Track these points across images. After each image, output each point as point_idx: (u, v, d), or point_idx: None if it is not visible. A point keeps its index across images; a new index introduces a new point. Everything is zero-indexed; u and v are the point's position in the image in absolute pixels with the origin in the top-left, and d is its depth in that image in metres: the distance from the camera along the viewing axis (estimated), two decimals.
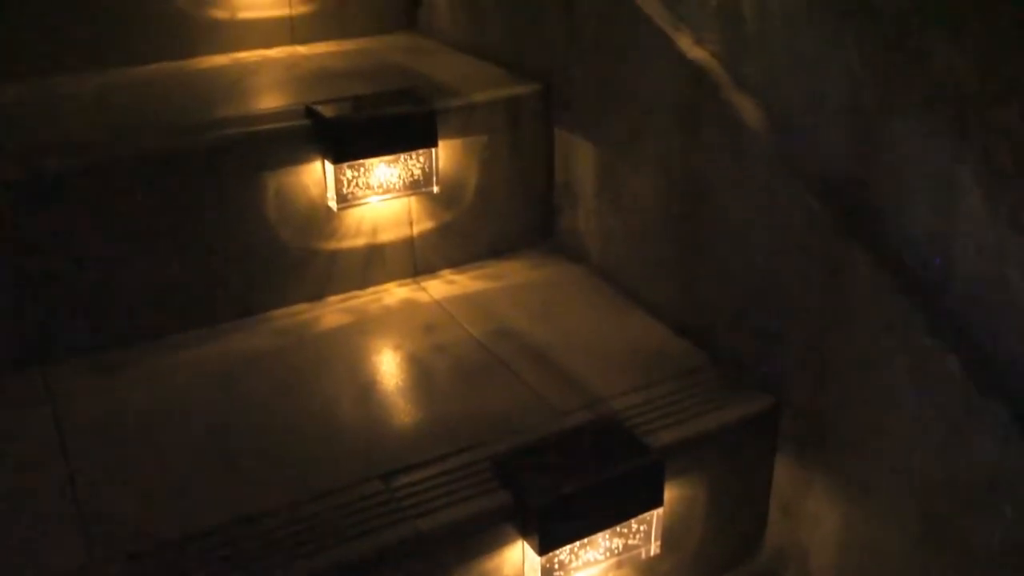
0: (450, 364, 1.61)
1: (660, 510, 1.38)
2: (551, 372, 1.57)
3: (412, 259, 1.87)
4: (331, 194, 1.73)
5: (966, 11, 1.13)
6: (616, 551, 1.37)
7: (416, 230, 1.86)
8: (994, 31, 1.10)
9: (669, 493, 1.40)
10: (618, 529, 1.36)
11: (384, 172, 1.76)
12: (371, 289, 1.84)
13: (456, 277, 1.89)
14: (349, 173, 1.72)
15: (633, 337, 1.69)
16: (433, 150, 1.78)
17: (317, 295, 1.80)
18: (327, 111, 1.72)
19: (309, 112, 1.74)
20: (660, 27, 1.59)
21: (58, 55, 2.06)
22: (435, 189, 1.81)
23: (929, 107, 1.20)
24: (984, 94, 1.12)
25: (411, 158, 1.77)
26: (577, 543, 1.33)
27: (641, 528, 1.38)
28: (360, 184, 1.74)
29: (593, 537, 1.34)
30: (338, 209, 1.74)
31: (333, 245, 1.79)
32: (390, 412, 1.50)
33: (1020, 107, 1.08)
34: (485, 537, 1.30)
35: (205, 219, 1.67)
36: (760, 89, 1.45)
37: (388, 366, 1.64)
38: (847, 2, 1.28)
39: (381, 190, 1.76)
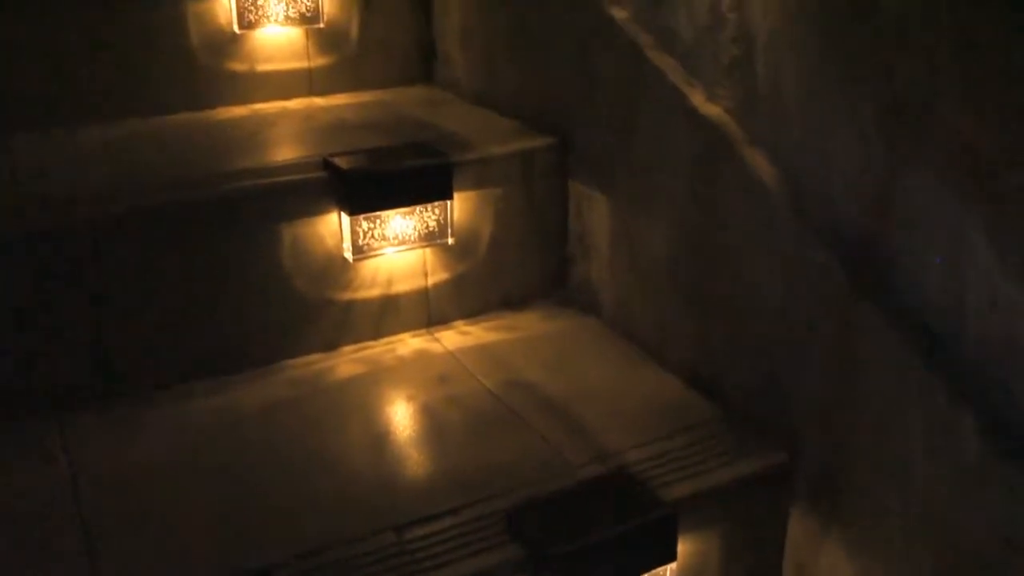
0: (463, 415, 1.62)
1: (673, 565, 1.38)
2: (564, 424, 1.58)
3: (426, 310, 1.88)
4: (347, 245, 1.74)
5: (977, 75, 1.14)
6: None
7: (430, 281, 1.87)
8: (1006, 95, 1.12)
9: (682, 547, 1.40)
10: None
11: (400, 224, 1.77)
12: (385, 339, 1.85)
13: (470, 328, 1.90)
14: (365, 225, 1.74)
15: (646, 390, 1.69)
16: (448, 202, 1.80)
17: (331, 345, 1.81)
18: (344, 163, 1.74)
19: (326, 164, 1.76)
20: (674, 83, 1.61)
21: (78, 105, 2.09)
22: (450, 241, 1.83)
23: (941, 167, 1.21)
24: (995, 155, 1.13)
25: (426, 210, 1.79)
26: None
27: None
28: (376, 235, 1.76)
29: None
30: (354, 260, 1.76)
31: (348, 295, 1.80)
32: (403, 463, 1.50)
33: None
34: None
35: (221, 269, 1.69)
36: (773, 146, 1.47)
37: (401, 417, 1.64)
38: (860, 65, 1.30)
39: (396, 241, 1.78)
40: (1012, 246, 1.13)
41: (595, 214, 1.89)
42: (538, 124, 2.00)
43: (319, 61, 2.32)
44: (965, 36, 1.15)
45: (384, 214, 1.75)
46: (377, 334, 1.85)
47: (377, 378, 1.73)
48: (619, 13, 1.72)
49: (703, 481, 1.44)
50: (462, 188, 1.83)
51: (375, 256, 1.78)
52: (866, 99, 1.30)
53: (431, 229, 1.80)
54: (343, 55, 2.34)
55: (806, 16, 1.37)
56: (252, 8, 2.19)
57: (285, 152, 1.95)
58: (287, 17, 2.23)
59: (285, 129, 2.09)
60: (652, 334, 1.79)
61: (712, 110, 1.55)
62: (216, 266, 1.68)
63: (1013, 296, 1.13)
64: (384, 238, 1.77)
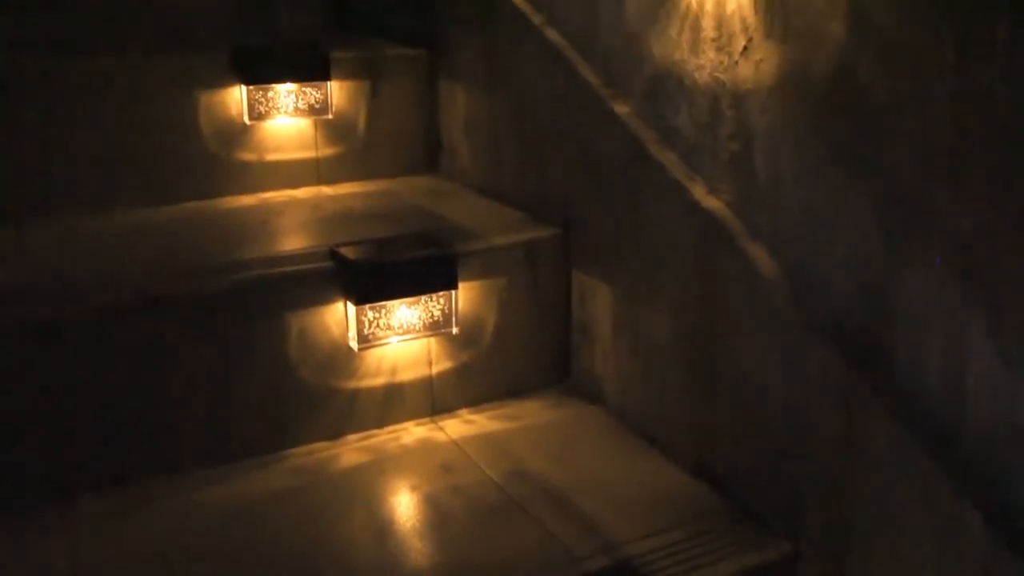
0: (466, 506, 1.61)
1: None
2: (567, 515, 1.57)
3: (430, 399, 1.89)
4: (352, 334, 1.76)
5: (969, 168, 1.17)
6: None
7: (435, 370, 1.88)
8: (995, 189, 1.14)
9: None
10: None
11: (405, 313, 1.79)
12: (389, 428, 1.86)
13: (474, 417, 1.90)
14: (371, 314, 1.76)
15: (650, 480, 1.69)
16: (453, 292, 1.82)
17: (336, 434, 1.81)
18: (351, 253, 1.77)
19: (333, 254, 1.79)
20: (675, 176, 1.65)
21: (88, 194, 2.13)
22: (454, 330, 1.85)
23: (937, 258, 1.23)
24: (990, 247, 1.16)
25: (431, 300, 1.81)
26: None
27: None
28: (381, 325, 1.78)
29: None
30: (359, 349, 1.77)
31: (353, 384, 1.81)
32: (407, 555, 1.50)
33: None
34: None
35: (228, 358, 1.70)
36: (773, 238, 1.49)
37: (405, 507, 1.64)
38: (856, 161, 1.33)
39: (401, 331, 1.80)
40: (1011, 337, 1.14)
41: (598, 303, 1.91)
42: (541, 214, 2.03)
43: (327, 151, 2.37)
44: (958, 133, 1.18)
45: (389, 304, 1.77)
46: (381, 423, 1.85)
47: (381, 467, 1.74)
48: (621, 108, 1.76)
49: (708, 573, 1.43)
50: (467, 278, 1.85)
51: (380, 346, 1.79)
52: (862, 194, 1.33)
53: (436, 318, 1.82)
54: (351, 145, 2.39)
55: (802, 114, 1.41)
56: (263, 100, 2.25)
57: (293, 241, 1.98)
58: (296, 109, 2.28)
59: (293, 218, 2.12)
60: (656, 423, 1.79)
61: (713, 203, 1.58)
62: (222, 355, 1.70)
63: (1014, 386, 1.15)
64: (389, 327, 1.79)
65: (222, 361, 1.70)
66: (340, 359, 1.79)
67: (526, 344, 1.98)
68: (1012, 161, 1.12)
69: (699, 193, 1.60)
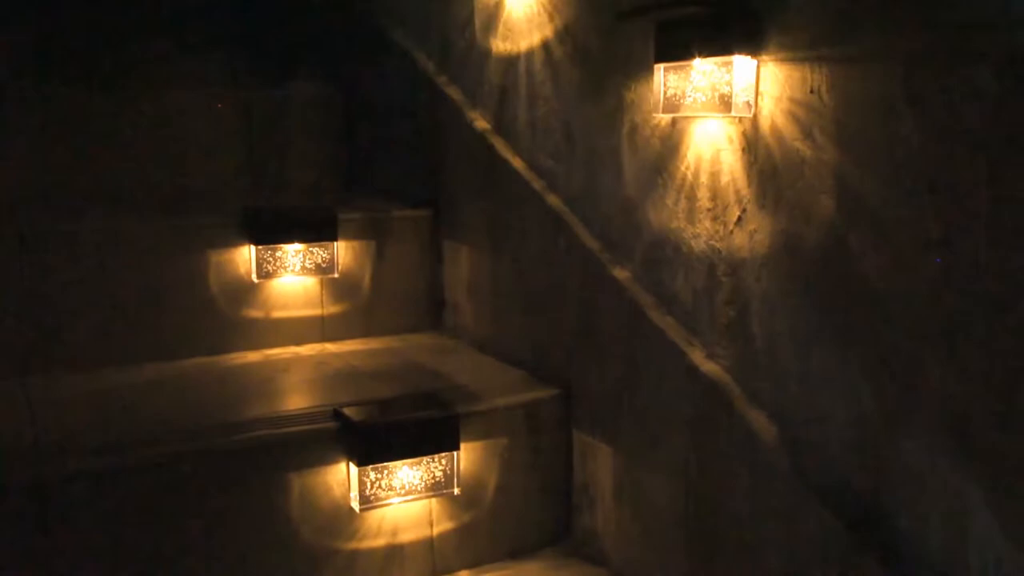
0: None
1: None
2: None
3: (431, 560, 1.88)
4: (354, 495, 1.76)
5: (959, 336, 1.20)
6: None
7: (436, 531, 1.88)
8: (985, 357, 1.17)
9: None
10: None
11: (407, 474, 1.80)
12: None
13: None
14: (373, 475, 1.77)
15: None
16: (455, 453, 1.83)
17: None
18: (354, 414, 1.79)
19: (337, 415, 1.80)
20: (674, 340, 1.68)
21: (94, 350, 2.16)
22: (456, 491, 1.85)
23: (933, 428, 1.25)
24: (984, 414, 1.18)
25: (433, 460, 1.82)
26: None
27: None
28: (383, 486, 1.78)
29: None
30: (360, 510, 1.77)
31: (353, 545, 1.80)
32: None
33: (1020, 431, 1.14)
34: None
35: (229, 517, 1.70)
36: (772, 403, 1.52)
37: None
38: (849, 327, 1.37)
39: (403, 491, 1.80)
40: (1011, 506, 1.15)
41: (599, 464, 1.92)
42: (542, 374, 2.06)
43: (332, 309, 2.41)
44: (947, 302, 1.22)
45: (392, 464, 1.78)
46: None
47: None
48: (620, 274, 1.81)
49: None
50: (469, 438, 1.87)
51: (382, 506, 1.79)
52: (857, 360, 1.36)
53: (437, 479, 1.83)
54: (356, 303, 2.43)
55: (796, 282, 1.45)
56: (271, 259, 2.30)
57: (297, 400, 2.00)
58: (303, 268, 2.34)
59: (297, 376, 2.15)
60: None
61: (712, 368, 1.61)
62: (223, 514, 1.69)
63: (1016, 558, 1.15)
64: (391, 488, 1.79)
65: (223, 520, 1.70)
66: (341, 520, 1.79)
67: (527, 504, 1.98)
68: (998, 330, 1.16)
69: (698, 358, 1.63)
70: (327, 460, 1.77)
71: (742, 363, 1.57)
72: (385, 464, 1.77)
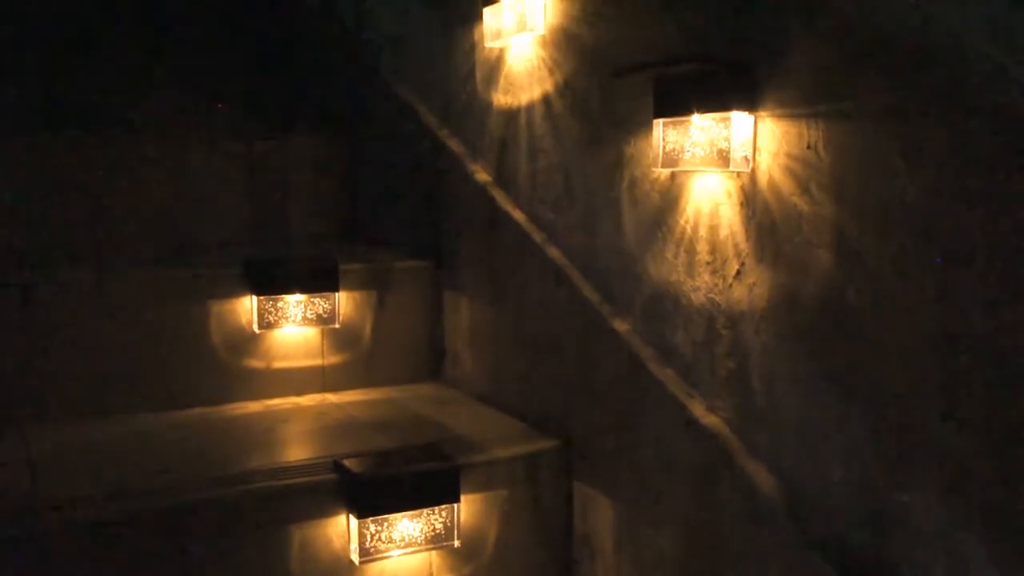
0: None
1: None
2: None
3: None
4: (354, 547, 1.76)
5: (960, 390, 1.21)
6: None
7: None
8: (986, 412, 1.18)
9: None
10: None
11: (407, 526, 1.79)
12: None
13: None
14: (373, 527, 1.76)
15: None
16: (455, 505, 1.83)
17: None
18: (354, 466, 1.78)
19: (337, 467, 1.80)
20: (674, 393, 1.68)
21: (95, 400, 2.16)
22: (456, 543, 1.84)
23: (933, 480, 1.25)
24: (986, 469, 1.18)
25: (434, 512, 1.81)
26: None
27: None
28: (383, 538, 1.77)
29: None
30: (360, 563, 1.76)
31: None
32: None
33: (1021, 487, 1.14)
34: None
35: (230, 570, 1.70)
36: (772, 456, 1.52)
37: None
38: (849, 380, 1.37)
39: (403, 544, 1.80)
40: (1014, 563, 1.15)
41: (599, 516, 1.91)
42: (543, 425, 2.06)
43: (333, 359, 2.41)
44: (946, 356, 1.22)
45: (392, 516, 1.78)
46: None
47: None
48: (620, 326, 1.82)
49: None
50: (469, 490, 1.86)
51: (382, 559, 1.79)
52: (858, 413, 1.36)
53: (438, 531, 1.82)
54: (356, 354, 2.44)
55: (795, 335, 1.46)
56: (272, 310, 2.31)
57: (297, 452, 2.00)
58: (305, 318, 2.35)
59: (298, 427, 2.15)
60: None
61: (712, 421, 1.61)
62: (223, 566, 1.69)
63: None
64: (391, 540, 1.78)
65: (223, 572, 1.69)
66: (341, 572, 1.78)
67: (527, 556, 1.97)
68: (997, 385, 1.16)
69: (698, 410, 1.64)
70: (327, 512, 1.76)
71: (742, 416, 1.57)
72: (385, 516, 1.77)
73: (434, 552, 1.85)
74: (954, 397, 1.22)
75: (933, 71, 1.23)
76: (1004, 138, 1.15)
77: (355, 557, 1.76)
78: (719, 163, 1.54)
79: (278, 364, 2.35)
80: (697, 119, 1.56)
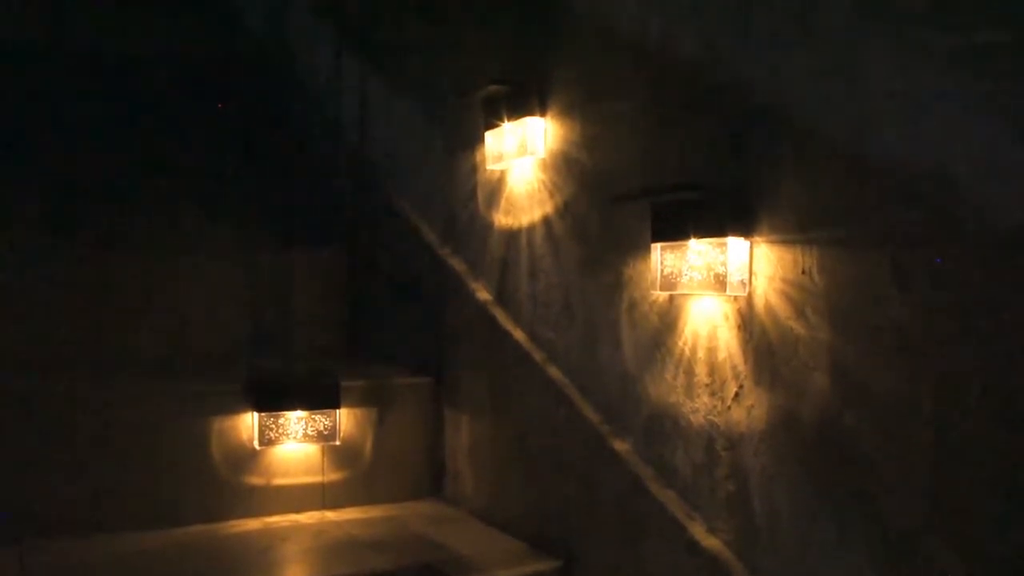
0: None
1: None
2: None
3: None
4: None
5: (959, 514, 1.21)
6: None
7: None
8: (987, 535, 1.18)
9: None
10: None
11: None
12: None
13: None
14: None
15: None
16: None
17: None
18: None
19: None
20: (674, 514, 1.68)
21: (92, 517, 2.15)
22: None
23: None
24: None
25: None
26: None
27: None
28: None
29: None
30: None
31: None
32: None
33: None
34: None
35: None
36: None
37: None
38: (847, 502, 1.38)
39: None
40: None
41: None
42: (543, 544, 2.05)
43: (333, 476, 2.41)
44: (942, 477, 1.23)
45: None
46: None
47: None
48: (620, 446, 1.83)
49: None
50: None
51: None
52: (856, 536, 1.36)
53: None
54: (356, 470, 2.43)
55: (793, 457, 1.47)
56: (273, 427, 2.32)
57: (295, 572, 1.99)
58: (305, 435, 2.35)
59: (296, 546, 2.13)
60: None
61: (712, 543, 1.61)
62: None
63: None
64: None
65: None
66: None
67: None
68: (996, 505, 1.17)
69: (699, 532, 1.63)
70: None
71: (743, 537, 1.57)
72: None
73: None
74: (954, 517, 1.22)
75: (922, 200, 1.27)
76: (993, 264, 1.18)
77: None
78: (716, 287, 1.57)
79: (278, 481, 2.35)
80: (694, 244, 1.60)
